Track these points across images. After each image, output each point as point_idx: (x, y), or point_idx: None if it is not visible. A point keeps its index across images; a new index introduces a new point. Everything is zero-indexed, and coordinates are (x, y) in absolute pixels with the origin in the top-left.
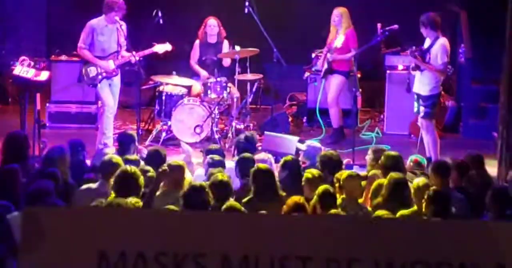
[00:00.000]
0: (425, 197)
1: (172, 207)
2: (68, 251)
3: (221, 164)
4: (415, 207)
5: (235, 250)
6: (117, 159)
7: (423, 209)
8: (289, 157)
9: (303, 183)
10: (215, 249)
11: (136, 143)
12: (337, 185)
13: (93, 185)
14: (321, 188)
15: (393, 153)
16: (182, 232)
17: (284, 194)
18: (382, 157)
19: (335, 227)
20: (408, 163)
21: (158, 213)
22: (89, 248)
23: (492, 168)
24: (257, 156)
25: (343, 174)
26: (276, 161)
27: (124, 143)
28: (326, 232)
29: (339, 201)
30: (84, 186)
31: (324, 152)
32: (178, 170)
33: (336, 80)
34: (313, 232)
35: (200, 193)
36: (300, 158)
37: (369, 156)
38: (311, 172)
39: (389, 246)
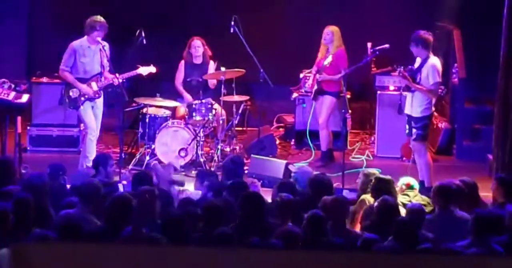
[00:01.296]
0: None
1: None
2: None
3: (221, 187)
4: None
5: None
6: (97, 182)
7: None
8: (285, 181)
9: None
10: None
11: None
12: None
13: (71, 211)
14: (311, 213)
15: (384, 176)
16: None
17: (271, 221)
18: (373, 181)
19: (328, 263)
20: (400, 186)
21: (148, 248)
22: None
23: (487, 192)
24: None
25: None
26: (263, 185)
27: (98, 165)
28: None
29: None
30: (63, 212)
31: (314, 176)
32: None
33: (326, 102)
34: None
35: (177, 225)
36: None
37: (360, 180)
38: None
39: None
